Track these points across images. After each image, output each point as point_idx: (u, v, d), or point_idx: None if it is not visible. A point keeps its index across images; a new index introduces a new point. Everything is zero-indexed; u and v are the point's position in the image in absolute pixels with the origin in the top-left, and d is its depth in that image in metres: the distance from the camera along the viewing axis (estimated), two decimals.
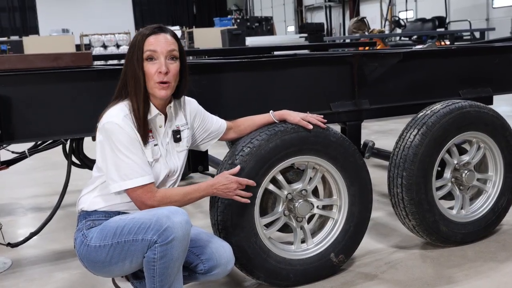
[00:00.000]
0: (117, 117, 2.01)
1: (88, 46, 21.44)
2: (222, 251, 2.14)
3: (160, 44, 2.05)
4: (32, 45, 16.43)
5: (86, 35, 22.05)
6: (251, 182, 2.26)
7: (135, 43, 2.08)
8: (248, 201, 2.25)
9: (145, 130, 2.05)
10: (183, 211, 1.95)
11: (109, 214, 2.08)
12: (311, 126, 2.40)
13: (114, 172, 2.00)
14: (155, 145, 2.10)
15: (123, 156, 1.98)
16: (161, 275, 1.92)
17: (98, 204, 2.09)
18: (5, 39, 19.07)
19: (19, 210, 4.19)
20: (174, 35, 2.11)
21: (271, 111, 2.43)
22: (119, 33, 22.07)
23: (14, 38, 20.14)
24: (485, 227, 2.95)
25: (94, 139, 2.16)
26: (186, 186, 2.13)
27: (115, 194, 2.06)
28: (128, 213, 2.08)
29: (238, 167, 2.26)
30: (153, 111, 2.11)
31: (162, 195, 2.04)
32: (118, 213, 2.09)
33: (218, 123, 2.39)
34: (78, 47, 20.69)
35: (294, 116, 2.41)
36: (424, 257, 2.81)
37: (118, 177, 2.00)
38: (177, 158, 2.20)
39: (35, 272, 2.89)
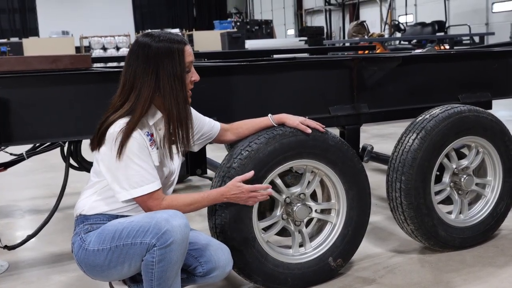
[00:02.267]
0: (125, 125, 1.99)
1: (88, 48, 21.46)
2: (221, 253, 2.13)
3: (192, 53, 2.08)
4: (31, 47, 16.46)
5: (86, 37, 22.07)
6: (264, 187, 2.25)
7: (171, 55, 2.00)
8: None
9: (171, 144, 2.09)
10: (182, 214, 1.95)
11: (107, 218, 2.07)
12: (309, 130, 2.39)
13: (124, 181, 1.97)
14: (157, 148, 2.09)
15: (133, 165, 1.96)
16: (159, 278, 1.91)
17: (98, 208, 2.08)
18: (4, 40, 19.10)
19: (17, 212, 4.18)
20: None
21: (269, 115, 2.42)
22: (119, 35, 22.10)
23: (14, 39, 20.18)
24: (483, 232, 2.95)
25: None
26: (194, 193, 2.13)
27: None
28: (127, 216, 2.07)
29: (252, 173, 2.24)
30: (158, 114, 2.10)
31: (168, 202, 2.03)
32: (117, 216, 2.08)
33: (210, 124, 2.37)
34: (78, 49, 20.71)
35: (293, 120, 2.40)
36: (422, 261, 2.81)
37: (128, 185, 1.97)
38: (173, 160, 2.19)
39: (32, 275, 2.88)
